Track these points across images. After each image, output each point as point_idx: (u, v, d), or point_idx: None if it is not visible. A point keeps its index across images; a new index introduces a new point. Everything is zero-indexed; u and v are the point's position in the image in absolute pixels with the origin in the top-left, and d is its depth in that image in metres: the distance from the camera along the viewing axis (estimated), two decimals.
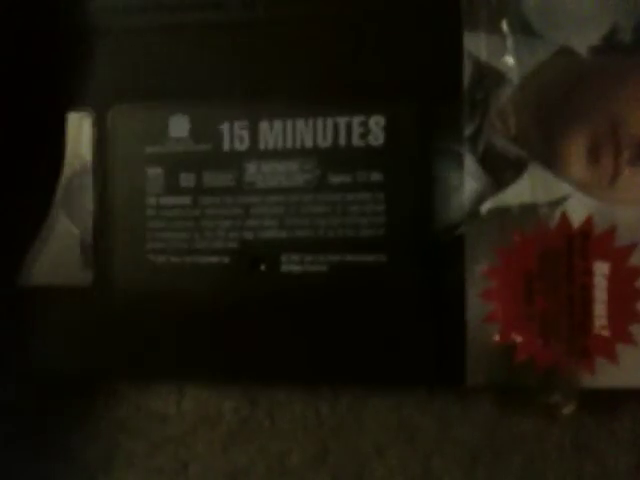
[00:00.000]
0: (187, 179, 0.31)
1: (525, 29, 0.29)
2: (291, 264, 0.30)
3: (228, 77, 0.31)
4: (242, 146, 0.31)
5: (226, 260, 0.31)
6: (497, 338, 0.29)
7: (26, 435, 0.35)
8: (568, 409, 0.30)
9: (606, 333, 0.29)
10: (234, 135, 0.31)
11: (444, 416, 0.32)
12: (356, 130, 0.30)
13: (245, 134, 0.31)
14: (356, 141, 0.30)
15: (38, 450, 0.34)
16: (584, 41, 0.29)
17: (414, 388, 0.32)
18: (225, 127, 0.31)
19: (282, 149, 0.30)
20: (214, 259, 0.31)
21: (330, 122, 0.30)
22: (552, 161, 0.29)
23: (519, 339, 0.29)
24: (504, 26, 0.29)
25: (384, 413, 0.33)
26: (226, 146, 0.31)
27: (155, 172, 0.31)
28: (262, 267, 0.31)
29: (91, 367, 0.32)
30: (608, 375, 0.29)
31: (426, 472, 0.32)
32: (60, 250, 0.32)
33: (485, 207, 0.29)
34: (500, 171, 0.29)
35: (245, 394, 0.33)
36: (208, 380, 0.32)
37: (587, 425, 0.31)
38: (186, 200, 0.31)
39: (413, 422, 0.33)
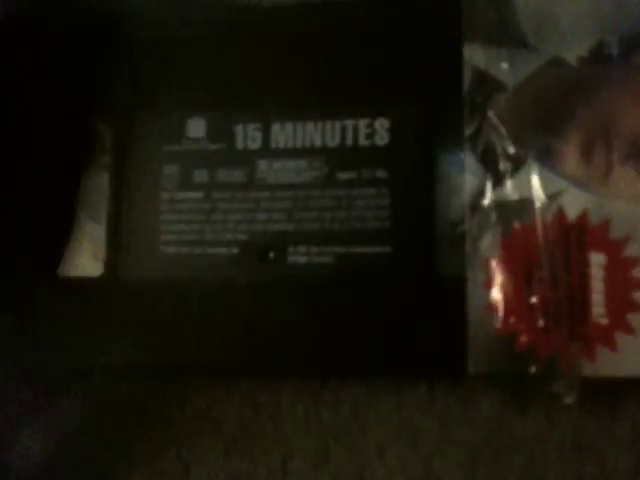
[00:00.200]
0: (201, 175, 0.33)
1: (520, 41, 0.32)
2: (298, 255, 0.32)
3: (243, 83, 0.33)
4: (254, 145, 0.32)
5: (235, 251, 0.32)
6: (498, 327, 0.30)
7: (28, 437, 0.34)
8: (570, 398, 0.30)
9: (604, 321, 0.30)
10: (247, 135, 0.33)
11: (444, 417, 0.33)
12: (362, 131, 0.32)
13: (258, 134, 0.33)
14: (362, 141, 0.32)
15: (41, 452, 0.34)
16: (574, 52, 0.31)
17: (415, 388, 0.33)
18: (239, 128, 0.33)
19: (292, 148, 0.32)
20: (224, 250, 0.32)
21: (338, 124, 0.32)
22: (548, 159, 0.31)
23: (520, 328, 0.30)
24: (501, 38, 0.32)
25: (385, 414, 0.33)
26: (239, 145, 0.33)
27: (171, 169, 0.33)
28: (270, 258, 0.32)
29: (103, 352, 0.32)
30: (608, 364, 0.30)
31: (427, 473, 0.32)
32: (76, 243, 0.33)
33: (485, 201, 0.31)
34: (499, 168, 0.31)
35: (248, 397, 0.34)
36: (216, 367, 0.33)
37: (587, 426, 0.32)
38: (199, 195, 0.32)
39: (414, 423, 0.33)
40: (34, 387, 0.34)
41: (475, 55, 0.32)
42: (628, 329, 0.30)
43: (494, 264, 0.30)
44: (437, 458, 0.32)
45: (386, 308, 0.31)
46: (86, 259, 0.33)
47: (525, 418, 0.32)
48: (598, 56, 0.31)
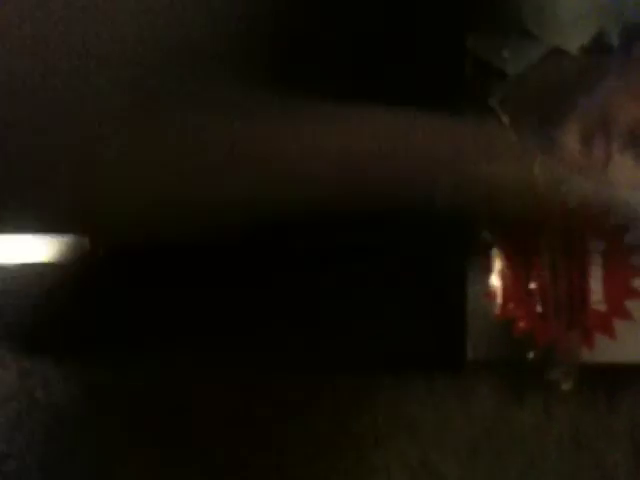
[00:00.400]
0: None
1: (522, 31, 0.32)
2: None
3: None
4: None
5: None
6: (497, 313, 0.30)
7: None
8: (567, 385, 0.30)
9: (603, 308, 0.30)
10: None
11: (443, 410, 0.32)
12: None
13: None
14: None
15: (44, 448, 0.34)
16: (575, 42, 0.32)
17: (414, 382, 0.33)
18: None
19: None
20: None
21: None
22: (549, 147, 0.31)
23: (518, 314, 0.30)
24: (503, 27, 0.32)
25: (384, 407, 0.33)
26: None
27: None
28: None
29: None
30: (606, 350, 0.30)
31: (424, 464, 0.32)
32: None
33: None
34: None
35: (245, 383, 0.33)
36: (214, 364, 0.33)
37: (585, 418, 0.31)
38: None
39: (413, 416, 0.32)
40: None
41: (477, 44, 0.32)
42: (626, 316, 0.30)
43: (494, 251, 0.31)
44: (435, 451, 0.32)
45: (385, 298, 0.31)
46: None
47: (523, 411, 0.32)
48: (599, 46, 0.32)
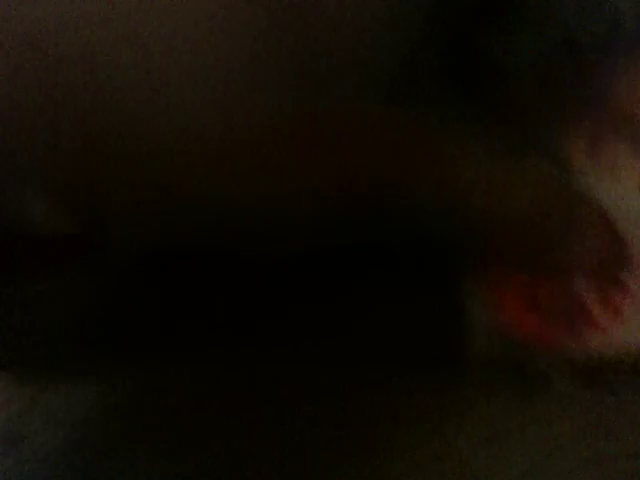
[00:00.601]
0: None
1: (530, 23, 0.30)
2: None
3: None
4: None
5: None
6: (496, 314, 0.30)
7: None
8: (562, 383, 0.30)
9: (597, 307, 0.30)
10: None
11: (443, 410, 0.33)
12: None
13: None
14: None
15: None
16: (587, 34, 0.30)
17: (413, 382, 0.33)
18: None
19: None
20: None
21: None
22: (556, 149, 0.30)
23: (519, 314, 0.30)
24: (510, 20, 0.30)
25: (383, 407, 0.33)
26: None
27: None
28: None
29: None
30: (601, 347, 0.30)
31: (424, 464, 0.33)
32: None
33: None
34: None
35: (246, 383, 0.34)
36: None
37: (586, 422, 0.32)
38: None
39: (413, 417, 0.33)
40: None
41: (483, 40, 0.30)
42: (619, 314, 0.30)
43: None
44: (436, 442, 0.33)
45: (385, 296, 0.31)
46: None
47: (524, 411, 0.32)
48: (613, 40, 0.30)
